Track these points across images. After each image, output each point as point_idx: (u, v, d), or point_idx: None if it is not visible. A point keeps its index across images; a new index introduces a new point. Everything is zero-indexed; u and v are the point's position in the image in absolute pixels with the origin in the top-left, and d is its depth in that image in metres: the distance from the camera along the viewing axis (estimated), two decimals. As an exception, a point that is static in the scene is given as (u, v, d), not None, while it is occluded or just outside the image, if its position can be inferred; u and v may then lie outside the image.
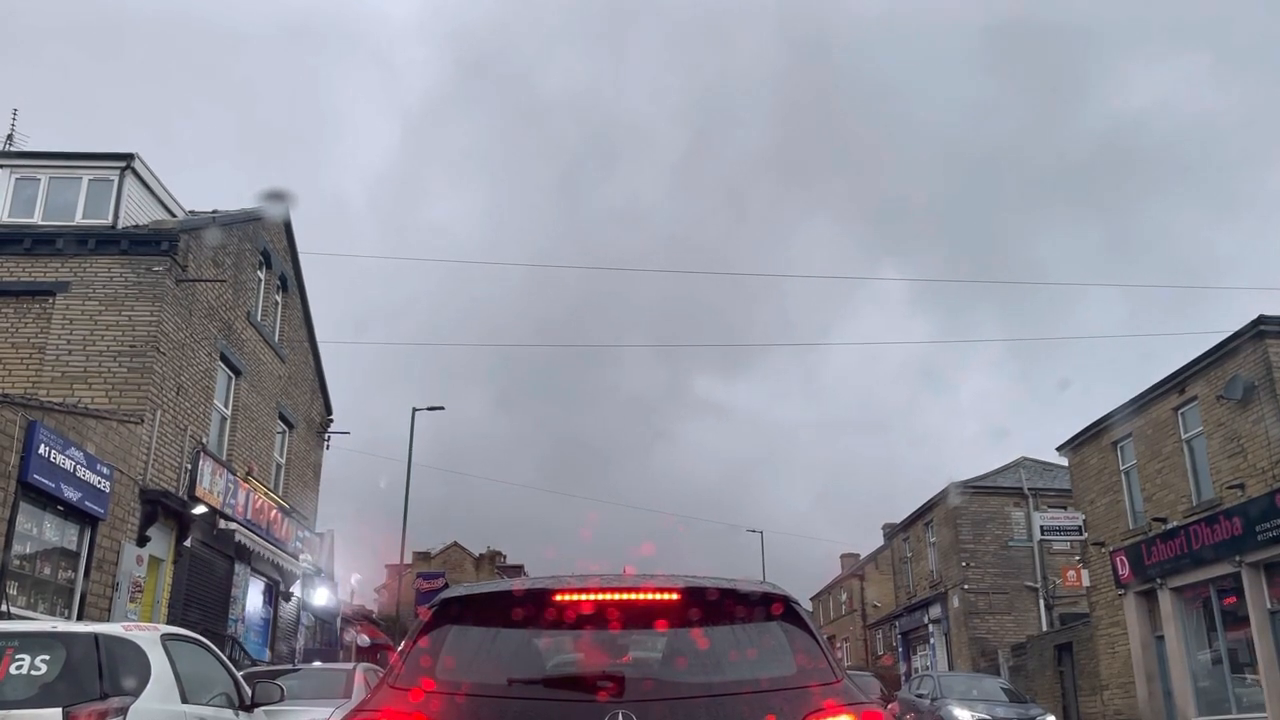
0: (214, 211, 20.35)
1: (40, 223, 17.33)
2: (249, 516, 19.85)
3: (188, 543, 17.53)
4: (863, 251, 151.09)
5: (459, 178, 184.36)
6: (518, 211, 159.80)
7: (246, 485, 19.94)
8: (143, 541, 15.83)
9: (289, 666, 16.05)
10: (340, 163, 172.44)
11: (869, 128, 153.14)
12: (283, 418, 23.39)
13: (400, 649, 3.46)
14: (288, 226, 23.78)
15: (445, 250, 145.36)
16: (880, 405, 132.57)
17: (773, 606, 3.43)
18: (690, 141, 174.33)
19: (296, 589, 23.89)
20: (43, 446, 12.69)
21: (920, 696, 21.99)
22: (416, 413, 31.34)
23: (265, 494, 21.23)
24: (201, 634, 8.43)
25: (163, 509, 16.34)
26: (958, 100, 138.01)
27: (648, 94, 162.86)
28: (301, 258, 24.61)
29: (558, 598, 3.35)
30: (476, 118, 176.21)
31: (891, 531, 46.36)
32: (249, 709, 7.33)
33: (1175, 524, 20.51)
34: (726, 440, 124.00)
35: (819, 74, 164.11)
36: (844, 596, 59.04)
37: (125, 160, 17.87)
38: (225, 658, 7.87)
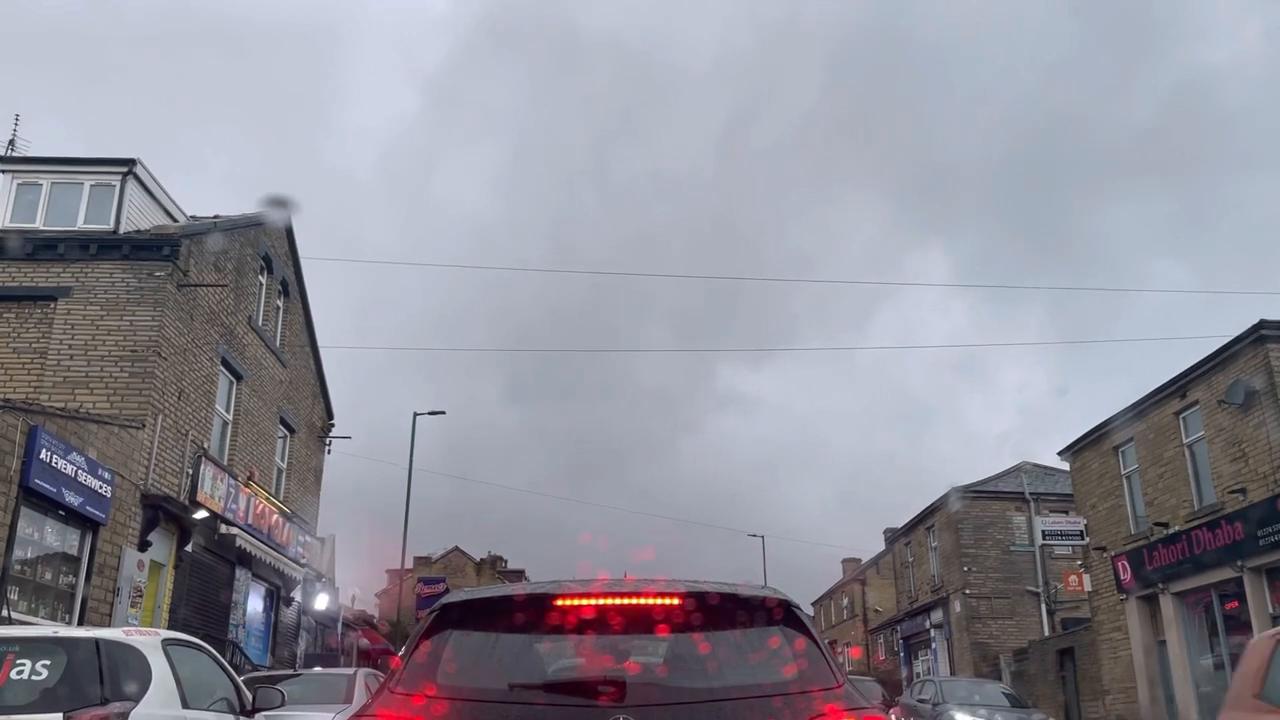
0: (215, 216, 20.39)
1: (42, 228, 17.35)
2: (250, 521, 19.85)
3: (189, 548, 17.53)
4: (911, 224, 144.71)
5: (482, 142, 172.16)
6: (543, 177, 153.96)
7: (248, 490, 19.94)
8: (144, 546, 15.83)
9: (290, 671, 16.03)
10: (354, 133, 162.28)
11: (927, 89, 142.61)
12: (284, 422, 23.40)
13: (401, 654, 3.46)
14: (289, 231, 23.81)
15: (464, 221, 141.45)
16: (893, 407, 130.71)
17: (774, 611, 3.42)
18: (736, 104, 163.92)
19: (297, 594, 23.88)
20: (44, 451, 12.69)
21: (922, 702, 21.94)
22: (418, 417, 31.40)
23: (266, 499, 21.22)
24: (202, 639, 8.43)
25: (164, 514, 16.34)
26: (1022, 59, 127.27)
27: (692, 51, 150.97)
28: (303, 262, 24.68)
29: (559, 602, 3.35)
30: (502, 75, 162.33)
31: (893, 536, 46.32)
32: (250, 714, 7.33)
33: (1177, 529, 20.50)
34: (732, 444, 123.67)
35: (877, 32, 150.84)
36: (846, 601, 58.98)
37: (127, 165, 17.91)
38: (226, 663, 7.86)
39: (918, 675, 37.73)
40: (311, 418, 25.87)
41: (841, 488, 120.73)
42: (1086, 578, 26.72)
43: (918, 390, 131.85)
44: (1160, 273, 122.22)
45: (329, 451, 27.27)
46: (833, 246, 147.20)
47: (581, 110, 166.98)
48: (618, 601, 3.34)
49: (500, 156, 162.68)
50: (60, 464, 13.10)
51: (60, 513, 13.48)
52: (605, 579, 3.61)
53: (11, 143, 20.73)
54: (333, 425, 27.47)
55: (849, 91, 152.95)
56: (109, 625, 13.51)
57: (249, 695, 7.43)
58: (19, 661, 5.80)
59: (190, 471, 17.47)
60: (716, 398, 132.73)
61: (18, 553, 12.50)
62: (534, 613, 3.39)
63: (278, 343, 23.05)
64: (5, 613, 11.40)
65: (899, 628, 43.67)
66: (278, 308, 23.32)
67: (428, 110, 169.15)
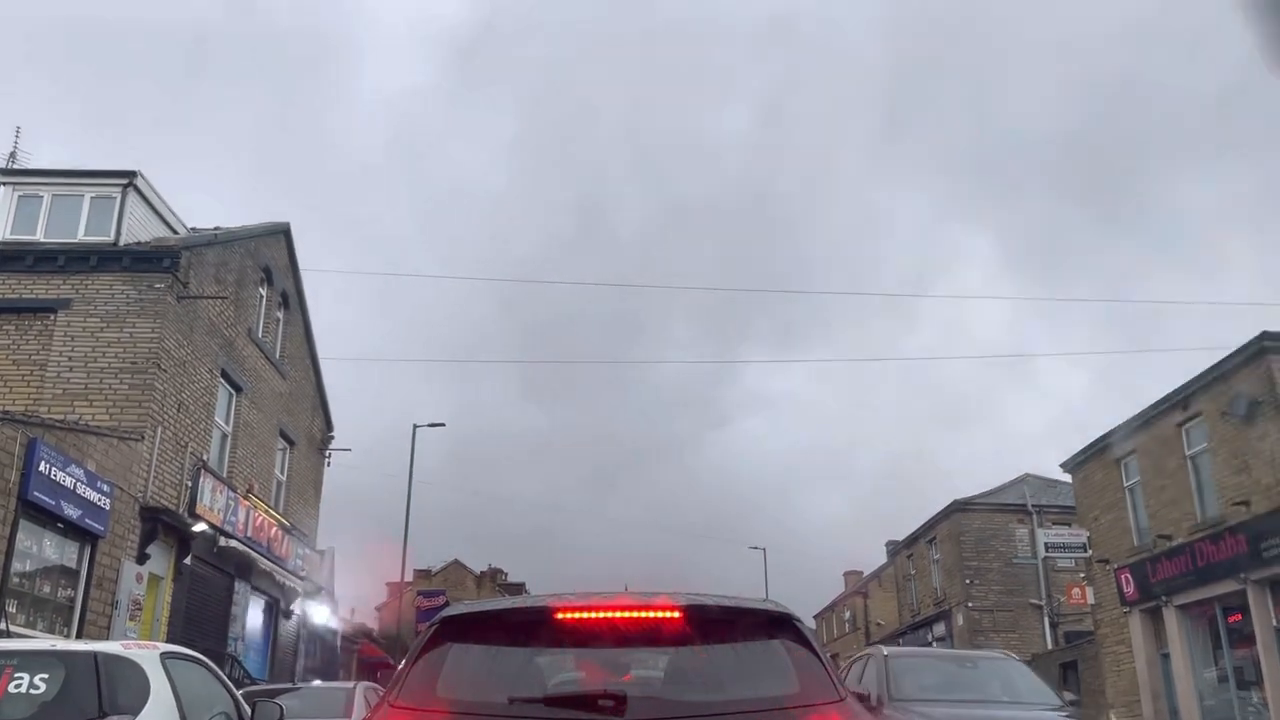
0: (216, 228, 20.43)
1: (43, 240, 17.38)
2: (249, 534, 19.81)
3: (188, 560, 17.48)
4: (964, 198, 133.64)
5: (505, 110, 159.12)
6: (571, 146, 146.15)
7: (247, 502, 19.90)
8: (143, 559, 15.79)
9: (289, 685, 15.97)
10: (367, 105, 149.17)
11: (989, 50, 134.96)
12: (283, 435, 23.37)
13: (401, 667, 3.43)
14: (290, 243, 23.84)
15: (483, 197, 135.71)
16: (914, 412, 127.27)
17: (775, 624, 3.40)
18: (781, 67, 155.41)
19: (297, 607, 23.81)
20: (43, 464, 12.67)
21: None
22: (417, 429, 31.37)
23: (266, 511, 21.18)
24: (201, 652, 8.38)
25: (163, 526, 16.30)
26: (1092, 19, 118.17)
27: (737, 5, 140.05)
28: (304, 273, 24.72)
29: (559, 616, 3.33)
30: (526, 39, 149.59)
31: (895, 548, 46.23)
32: (248, 728, 7.27)
33: (1180, 541, 20.44)
34: (737, 452, 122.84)
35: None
36: (848, 614, 58.81)
37: (127, 178, 17.95)
38: (225, 676, 7.81)
39: (920, 688, 37.54)
40: (311, 430, 25.85)
41: (849, 497, 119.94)
42: (1089, 590, 26.64)
43: (945, 394, 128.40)
44: (1236, 253, 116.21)
45: (329, 464, 27.25)
46: (877, 222, 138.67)
47: (612, 71, 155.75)
48: (618, 614, 3.32)
49: (524, 125, 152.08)
50: (59, 476, 13.08)
51: (59, 525, 13.45)
52: (606, 592, 3.59)
53: (12, 155, 20.79)
54: (332, 437, 27.46)
55: (902, 55, 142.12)
56: (107, 638, 13.46)
57: (248, 709, 7.37)
58: (17, 675, 5.75)
59: (189, 484, 17.44)
60: (728, 402, 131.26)
61: (16, 565, 12.47)
62: (534, 626, 3.38)
63: (278, 355, 23.04)
64: (4, 626, 11.36)
65: (901, 640, 43.55)
66: (278, 320, 23.32)
67: (444, 76, 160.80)
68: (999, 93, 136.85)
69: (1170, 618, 21.04)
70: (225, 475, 19.41)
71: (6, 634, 10.86)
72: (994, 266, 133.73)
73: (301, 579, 23.37)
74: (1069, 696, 10.49)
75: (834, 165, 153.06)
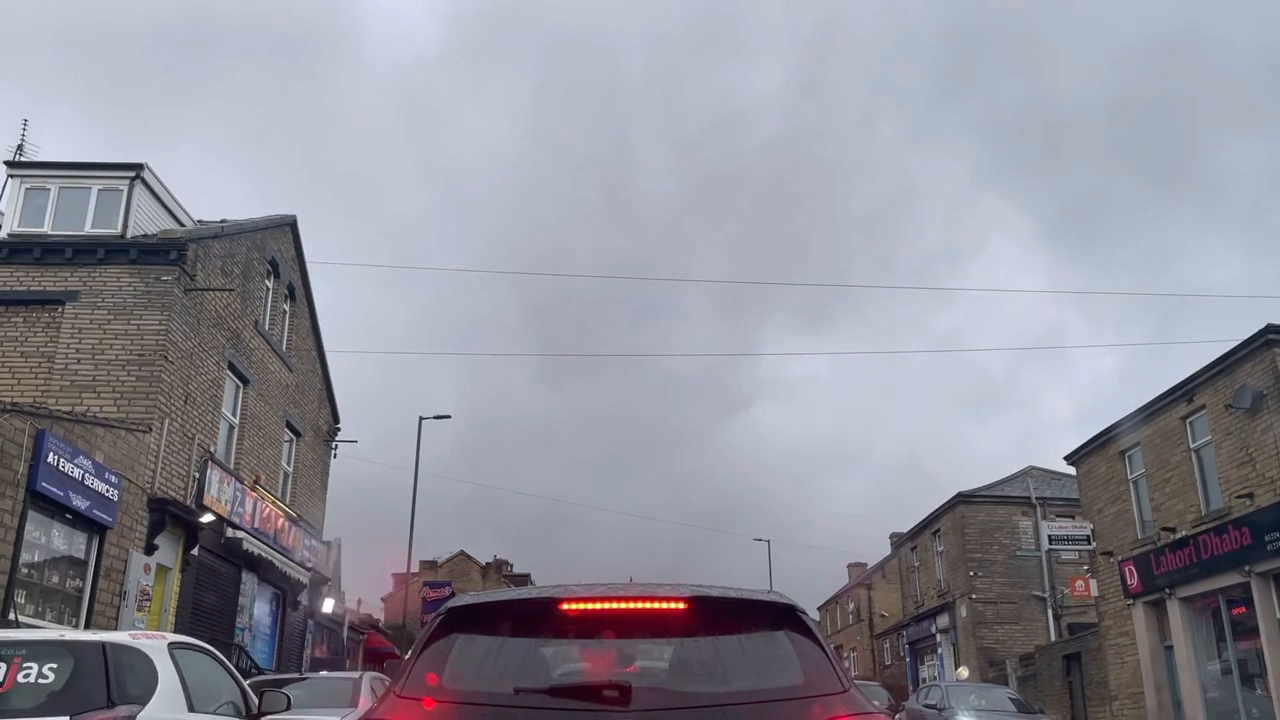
0: (222, 221, 20.48)
1: (50, 232, 17.43)
2: (256, 525, 19.89)
3: (195, 551, 17.56)
4: (1006, 165, 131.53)
5: (521, 69, 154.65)
6: (592, 110, 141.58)
7: (254, 494, 19.98)
8: (150, 550, 15.87)
9: (296, 675, 16.05)
10: (373, 75, 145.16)
11: (1039, 12, 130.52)
12: (290, 426, 23.44)
13: (406, 658, 3.46)
14: (296, 235, 23.88)
15: (491, 171, 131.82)
16: (930, 401, 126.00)
17: (779, 616, 3.42)
18: (812, 30, 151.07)
19: (304, 597, 23.91)
20: (51, 455, 12.73)
21: (929, 707, 21.88)
22: (423, 421, 31.43)
23: (273, 503, 21.26)
24: (209, 642, 8.44)
25: (170, 518, 16.37)
26: None
27: None
28: (310, 265, 24.75)
29: (564, 607, 3.35)
30: None
31: (899, 541, 46.24)
32: (255, 718, 7.33)
33: (1184, 534, 20.43)
34: (741, 447, 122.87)
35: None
36: (851, 606, 58.87)
37: (135, 170, 17.99)
38: (232, 666, 7.87)
39: (924, 680, 37.64)
40: (318, 421, 25.92)
41: (854, 490, 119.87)
42: (1093, 583, 26.62)
43: (967, 381, 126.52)
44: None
45: (335, 455, 27.33)
46: (912, 192, 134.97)
47: (637, 32, 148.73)
48: (623, 606, 3.34)
49: (541, 94, 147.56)
50: (67, 468, 13.15)
51: (67, 516, 13.52)
52: (611, 583, 3.61)
53: (19, 147, 20.78)
54: (339, 429, 27.54)
55: (946, 12, 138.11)
56: (116, 628, 13.54)
57: (255, 699, 7.43)
58: (26, 665, 5.80)
59: (197, 475, 17.51)
60: (741, 388, 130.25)
61: (25, 556, 12.54)
62: (539, 617, 3.40)
63: (284, 347, 23.10)
64: (12, 616, 11.44)
65: (905, 632, 43.58)
66: (284, 312, 23.37)
67: (456, 44, 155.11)
68: (1048, 57, 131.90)
69: (1174, 610, 21.05)
70: (232, 467, 19.48)
71: (15, 624, 10.94)
72: (1031, 238, 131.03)
73: (308, 570, 23.47)
74: None
75: (870, 133, 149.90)
